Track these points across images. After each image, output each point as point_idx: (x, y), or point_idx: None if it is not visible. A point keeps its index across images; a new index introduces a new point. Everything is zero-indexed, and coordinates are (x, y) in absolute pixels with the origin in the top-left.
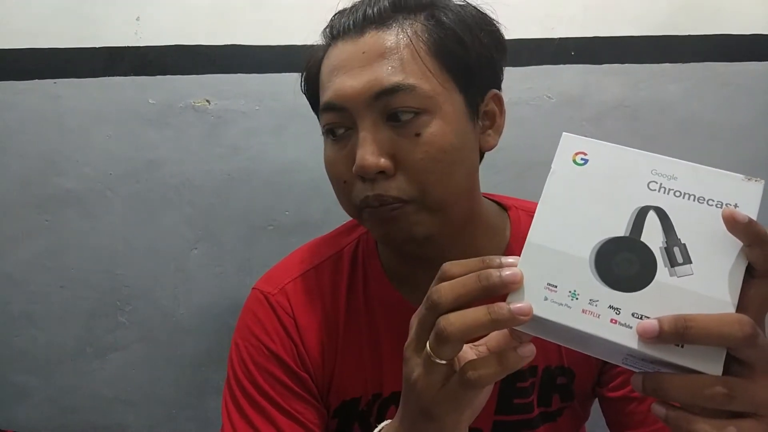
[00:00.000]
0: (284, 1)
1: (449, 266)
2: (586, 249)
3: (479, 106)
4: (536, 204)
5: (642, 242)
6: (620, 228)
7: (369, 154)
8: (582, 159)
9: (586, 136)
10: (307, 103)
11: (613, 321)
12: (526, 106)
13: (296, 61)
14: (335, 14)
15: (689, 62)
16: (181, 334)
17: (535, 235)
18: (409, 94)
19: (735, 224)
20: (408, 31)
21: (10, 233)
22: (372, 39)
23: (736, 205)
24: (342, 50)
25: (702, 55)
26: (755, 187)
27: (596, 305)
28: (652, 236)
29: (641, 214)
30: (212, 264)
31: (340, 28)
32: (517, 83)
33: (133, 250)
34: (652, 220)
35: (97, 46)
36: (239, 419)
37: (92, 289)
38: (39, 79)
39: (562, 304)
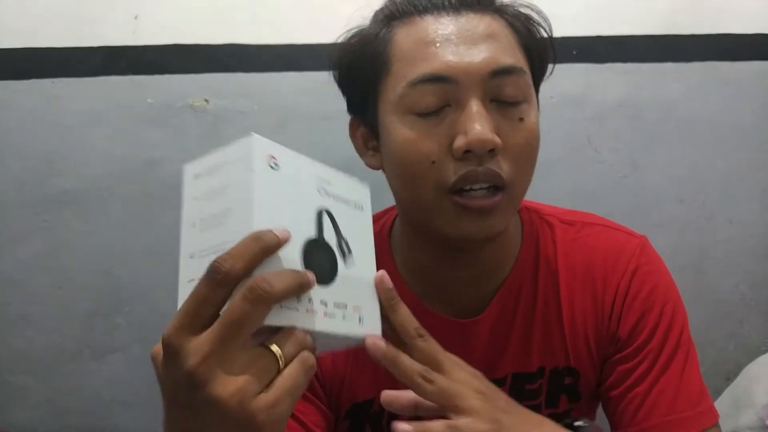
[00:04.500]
0: (284, 0)
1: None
2: (295, 252)
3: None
4: (545, 206)
5: (326, 242)
6: (311, 229)
7: (486, 128)
8: (275, 163)
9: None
10: (306, 102)
11: (325, 314)
12: None
13: (296, 61)
14: None
15: (691, 61)
16: None
17: None
18: (521, 77)
19: (377, 351)
20: (502, 22)
21: (8, 234)
22: (473, 21)
23: (362, 207)
24: (439, 24)
25: (704, 55)
26: (365, 189)
27: (313, 303)
28: (330, 235)
29: (319, 216)
30: None
31: (427, 3)
32: None
33: (132, 250)
34: (326, 220)
35: (95, 45)
36: None
37: (90, 290)
38: (37, 78)
39: (291, 309)
